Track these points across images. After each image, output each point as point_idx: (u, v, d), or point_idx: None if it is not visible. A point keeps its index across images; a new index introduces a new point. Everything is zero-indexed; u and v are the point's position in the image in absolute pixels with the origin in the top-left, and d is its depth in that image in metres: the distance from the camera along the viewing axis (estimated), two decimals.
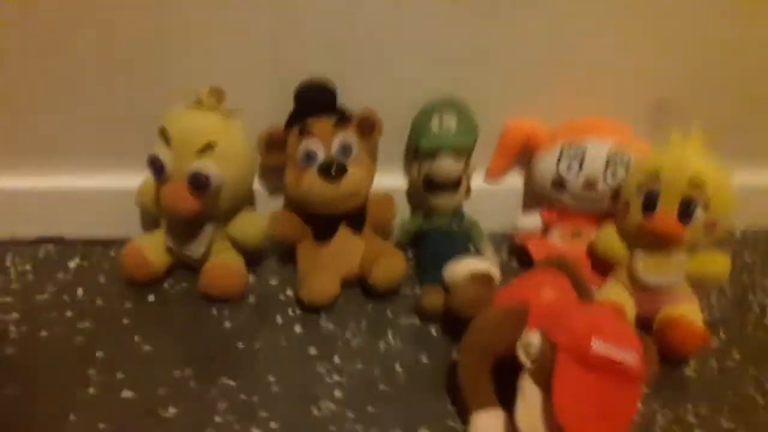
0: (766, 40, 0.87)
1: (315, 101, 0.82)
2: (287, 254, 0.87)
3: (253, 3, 0.78)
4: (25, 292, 0.84)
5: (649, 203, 0.77)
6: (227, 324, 0.80)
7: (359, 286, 0.85)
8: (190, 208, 0.75)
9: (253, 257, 0.87)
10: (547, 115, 0.89)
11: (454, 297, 0.76)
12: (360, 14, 0.80)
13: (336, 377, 0.74)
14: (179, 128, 0.75)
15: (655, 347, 0.64)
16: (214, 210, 0.79)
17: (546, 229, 0.91)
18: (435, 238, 0.88)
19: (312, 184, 0.79)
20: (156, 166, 0.75)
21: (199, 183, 0.74)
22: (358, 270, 0.84)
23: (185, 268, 0.85)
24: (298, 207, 0.84)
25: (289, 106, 0.83)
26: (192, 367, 0.74)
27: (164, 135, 0.75)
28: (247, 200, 0.87)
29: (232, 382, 0.73)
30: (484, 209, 0.92)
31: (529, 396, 0.61)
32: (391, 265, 0.83)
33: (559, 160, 0.85)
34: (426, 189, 0.87)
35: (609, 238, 0.83)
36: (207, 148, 0.74)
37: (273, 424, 0.68)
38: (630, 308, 0.79)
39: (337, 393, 0.72)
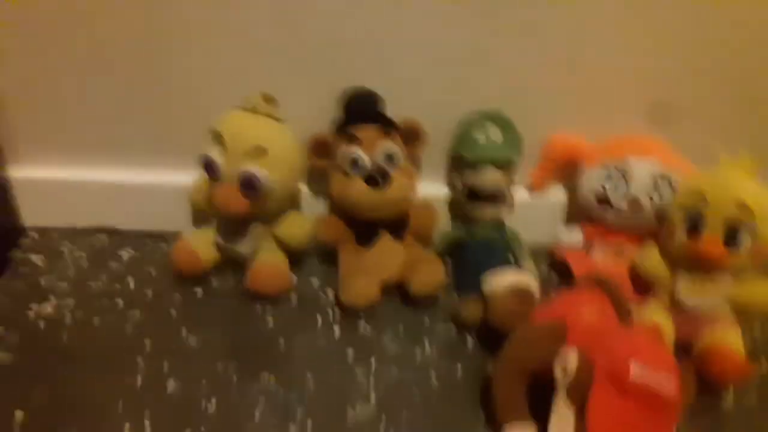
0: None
1: (361, 109, 0.83)
2: (329, 256, 0.89)
3: (304, 17, 0.80)
4: (79, 279, 0.88)
5: (694, 226, 0.76)
6: (270, 321, 0.83)
7: (398, 292, 0.86)
8: (241, 209, 0.78)
9: (296, 257, 0.89)
10: (592, 129, 0.88)
11: (493, 309, 0.77)
12: (408, 27, 0.81)
13: (372, 381, 0.76)
14: (233, 131, 0.78)
15: (692, 374, 0.64)
16: (263, 211, 0.81)
17: (588, 245, 0.91)
18: (475, 248, 0.88)
19: (358, 190, 0.81)
20: (209, 167, 0.78)
21: (249, 185, 0.76)
22: (397, 276, 0.85)
23: (232, 264, 0.88)
24: (342, 211, 0.86)
25: (334, 113, 0.85)
26: (234, 362, 0.77)
27: (218, 137, 0.77)
28: (293, 202, 0.89)
29: (272, 379, 0.75)
30: (526, 221, 0.92)
31: (562, 414, 0.62)
32: (431, 273, 0.84)
33: (604, 178, 0.85)
34: (468, 200, 0.88)
35: (651, 258, 0.82)
36: (258, 151, 0.77)
37: (309, 423, 0.70)
38: (669, 330, 0.78)
39: (372, 396, 0.74)
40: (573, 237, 0.91)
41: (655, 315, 0.80)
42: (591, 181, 0.87)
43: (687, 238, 0.77)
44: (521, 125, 0.86)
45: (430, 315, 0.85)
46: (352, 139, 0.81)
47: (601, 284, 0.74)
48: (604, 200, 0.86)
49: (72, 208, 0.95)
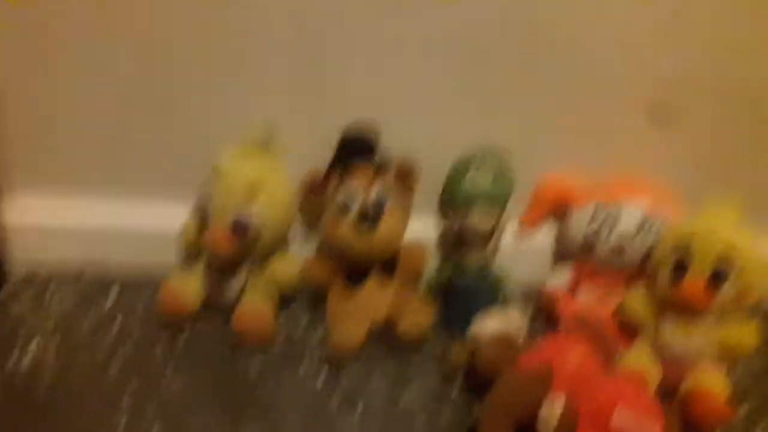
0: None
1: (356, 147, 0.84)
2: (318, 297, 0.89)
3: (299, 54, 0.82)
4: (66, 318, 0.87)
5: (679, 270, 0.77)
6: (256, 364, 0.82)
7: (386, 334, 0.86)
8: (230, 252, 0.78)
9: (284, 298, 0.89)
10: (584, 170, 0.90)
11: (479, 356, 0.77)
12: (398, 66, 0.83)
13: (359, 425, 0.76)
14: (227, 173, 0.79)
15: (676, 418, 0.64)
16: (253, 252, 0.82)
17: (574, 288, 0.91)
18: (463, 290, 0.89)
19: (348, 232, 0.81)
20: (202, 208, 0.79)
21: (240, 229, 0.77)
22: (385, 318, 0.85)
23: (220, 306, 0.87)
24: (332, 251, 0.86)
25: (328, 151, 0.85)
26: (220, 406, 0.76)
27: (212, 178, 0.79)
28: (284, 242, 0.89)
29: (257, 425, 0.75)
30: (515, 262, 0.93)
31: None
32: (419, 316, 0.85)
33: (590, 221, 0.86)
34: (457, 240, 0.88)
35: (636, 302, 0.83)
36: (253, 190, 0.78)
37: None
38: (655, 374, 0.79)
39: None
40: (560, 278, 0.92)
41: (641, 358, 0.80)
42: (579, 222, 0.88)
43: (671, 281, 0.78)
44: (514, 165, 0.88)
45: (418, 358, 0.85)
46: (346, 178, 0.82)
47: (587, 327, 0.75)
48: (590, 242, 0.87)
49: (60, 247, 0.94)
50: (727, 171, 0.90)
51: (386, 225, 0.82)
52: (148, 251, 0.93)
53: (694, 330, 0.78)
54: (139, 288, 0.92)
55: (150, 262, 0.94)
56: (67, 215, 0.92)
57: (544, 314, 0.93)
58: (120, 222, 0.92)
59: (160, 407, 0.76)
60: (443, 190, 0.91)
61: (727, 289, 0.75)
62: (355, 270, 0.86)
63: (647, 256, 0.84)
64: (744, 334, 0.79)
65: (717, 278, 0.75)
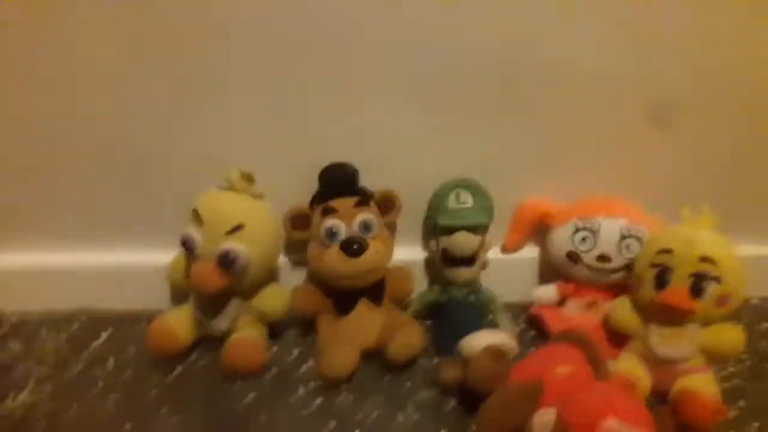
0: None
1: (338, 182, 0.86)
2: (308, 326, 0.90)
3: (281, 92, 0.84)
4: (58, 363, 0.87)
5: (662, 279, 0.79)
6: (250, 396, 0.82)
7: (378, 357, 0.87)
8: (217, 287, 0.79)
9: (275, 329, 0.90)
10: (560, 191, 0.92)
11: (471, 371, 0.77)
12: (378, 102, 0.86)
13: None
14: (211, 210, 0.80)
15: (669, 421, 0.65)
16: (241, 286, 0.83)
17: (562, 301, 0.93)
18: (452, 309, 0.90)
19: (334, 260, 0.83)
20: (188, 245, 0.80)
21: (227, 263, 0.78)
22: (376, 342, 0.86)
23: (212, 341, 0.88)
24: (320, 281, 0.88)
25: (313, 187, 0.87)
26: None
27: (196, 216, 0.80)
28: (272, 275, 0.90)
29: None
30: (502, 280, 0.95)
31: None
32: (409, 339, 0.85)
33: (573, 235, 0.88)
34: (444, 263, 0.90)
35: (623, 311, 0.84)
36: (236, 229, 0.79)
37: None
38: (645, 380, 0.80)
39: None
40: (547, 294, 0.93)
41: (630, 366, 0.81)
42: (561, 239, 0.90)
43: (655, 290, 0.79)
44: (493, 191, 0.90)
45: (411, 379, 0.85)
46: (329, 211, 0.84)
47: (576, 340, 0.76)
48: (574, 257, 0.89)
49: (51, 292, 0.95)
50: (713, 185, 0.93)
51: (371, 252, 0.83)
52: (137, 294, 0.94)
53: (680, 336, 0.80)
54: (130, 329, 0.93)
55: (139, 304, 0.95)
56: (55, 263, 0.93)
57: (533, 329, 0.95)
58: (107, 267, 0.94)
59: None
60: (426, 217, 0.94)
61: (708, 295, 0.76)
62: (343, 298, 0.87)
63: (630, 268, 0.86)
64: (729, 338, 0.80)
65: (698, 285, 0.76)
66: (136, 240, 0.93)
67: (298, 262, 0.95)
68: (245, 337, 0.86)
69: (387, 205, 0.87)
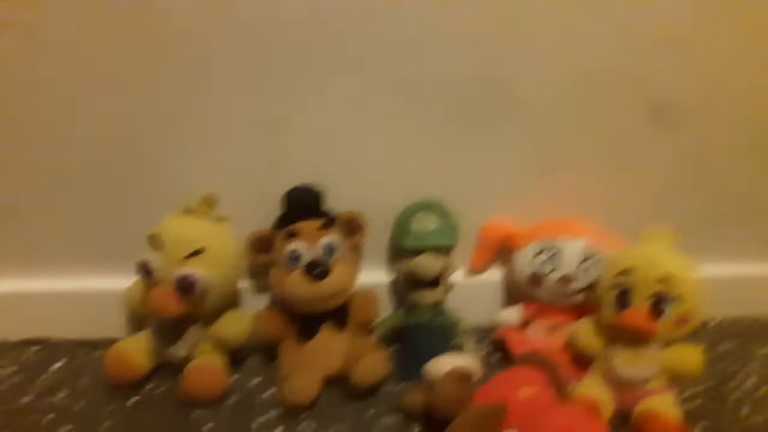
0: None
1: (302, 205, 0.86)
2: (271, 352, 0.88)
3: (243, 116, 0.84)
4: (8, 394, 0.84)
5: (622, 300, 0.79)
6: (209, 425, 0.80)
7: (342, 383, 0.85)
8: (175, 312, 0.78)
9: (236, 356, 0.88)
10: (523, 213, 0.93)
11: (435, 395, 0.77)
12: (345, 125, 0.86)
13: None
14: (170, 235, 0.79)
15: None
16: (200, 311, 0.81)
17: (525, 324, 0.93)
18: (417, 333, 0.90)
19: (296, 283, 0.82)
20: (145, 271, 0.78)
21: (186, 287, 0.77)
22: (339, 368, 0.85)
23: (170, 368, 0.86)
24: (283, 305, 0.86)
25: (276, 210, 0.87)
26: None
27: (156, 241, 0.78)
28: (232, 300, 0.89)
29: None
30: (467, 303, 0.94)
31: None
32: (373, 364, 0.84)
33: (535, 257, 0.89)
34: (408, 285, 0.90)
35: (585, 333, 0.85)
36: (196, 253, 0.78)
37: None
38: (608, 402, 0.80)
39: None
40: (511, 316, 0.94)
41: (594, 388, 0.82)
42: (523, 261, 0.91)
43: (616, 311, 0.80)
44: (458, 212, 0.91)
45: (375, 405, 0.84)
46: (292, 234, 0.83)
47: (539, 362, 0.76)
48: (536, 279, 0.89)
49: (3, 320, 0.92)
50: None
51: (335, 275, 0.83)
52: (92, 321, 0.92)
53: (642, 357, 0.80)
54: (85, 357, 0.90)
55: (95, 332, 0.92)
56: (7, 290, 0.91)
57: (498, 351, 0.94)
58: (62, 294, 0.91)
59: None
60: (392, 238, 0.94)
61: (668, 316, 0.77)
62: (306, 322, 0.86)
63: (592, 289, 0.87)
64: (689, 359, 0.81)
65: (658, 306, 0.77)
66: (92, 266, 0.91)
67: (260, 288, 0.94)
68: (205, 364, 0.84)
69: (352, 227, 0.87)
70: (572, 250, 0.88)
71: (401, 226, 0.90)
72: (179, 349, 0.84)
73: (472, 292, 0.97)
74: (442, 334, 0.90)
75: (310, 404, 0.82)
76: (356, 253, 0.89)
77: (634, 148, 0.92)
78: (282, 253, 0.83)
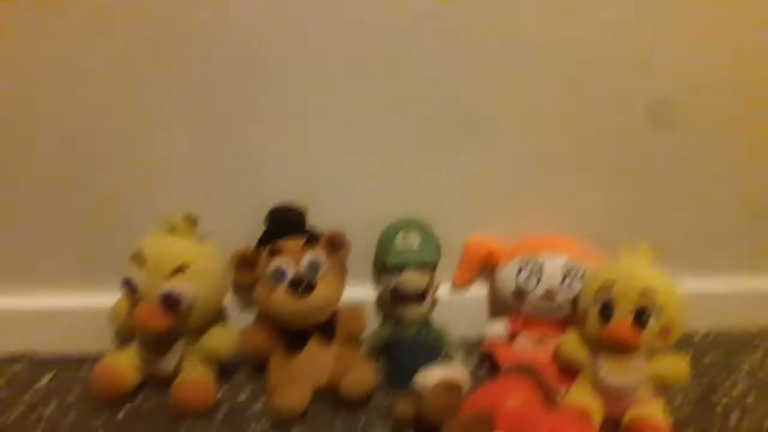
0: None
1: (285, 223, 0.87)
2: (259, 366, 0.89)
3: (227, 133, 0.85)
4: None
5: (606, 312, 0.81)
6: None
7: (331, 395, 0.86)
8: (160, 327, 0.78)
9: (225, 370, 0.89)
10: (505, 230, 0.95)
11: (425, 405, 0.77)
12: (326, 143, 0.88)
13: None
14: (153, 252, 0.80)
15: None
16: (186, 326, 0.82)
17: (512, 336, 0.94)
18: (404, 346, 0.91)
19: (281, 299, 0.83)
20: (129, 287, 0.79)
21: (170, 303, 0.78)
22: (328, 380, 0.86)
23: (157, 382, 0.86)
24: (269, 321, 0.87)
25: (261, 227, 0.88)
26: None
27: (139, 258, 0.79)
28: (219, 315, 0.90)
29: None
30: (454, 317, 0.95)
31: None
32: (362, 376, 0.85)
33: (518, 273, 0.90)
34: (393, 301, 0.91)
35: (571, 344, 0.86)
36: (179, 269, 0.79)
37: None
38: (597, 411, 0.81)
39: None
40: (497, 329, 0.94)
41: (582, 397, 0.83)
42: (506, 277, 0.92)
43: (600, 323, 0.81)
44: (441, 229, 0.92)
45: (365, 416, 0.85)
46: (276, 251, 0.84)
47: (526, 371, 0.77)
48: (520, 294, 0.91)
49: None
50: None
51: (320, 290, 0.84)
52: (80, 336, 0.92)
53: (627, 366, 0.81)
54: (73, 372, 0.90)
55: (83, 347, 0.92)
56: None
57: (485, 363, 0.95)
58: (49, 309, 0.92)
59: None
60: (376, 257, 0.95)
61: (651, 327, 0.79)
62: (293, 336, 0.86)
63: (575, 301, 0.88)
64: (675, 368, 0.82)
65: (641, 317, 0.79)
66: (76, 282, 0.92)
67: (246, 305, 0.94)
68: (193, 377, 0.84)
69: (335, 245, 0.87)
70: (554, 265, 0.89)
71: (385, 243, 0.91)
72: (167, 363, 0.84)
73: (460, 306, 0.98)
74: (429, 348, 0.91)
75: (300, 415, 0.82)
76: (340, 269, 0.90)
77: (614, 167, 0.93)
78: (266, 271, 0.84)
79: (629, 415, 0.81)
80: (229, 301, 0.92)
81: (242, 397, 0.87)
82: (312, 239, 0.86)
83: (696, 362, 0.83)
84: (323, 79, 0.84)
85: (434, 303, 0.93)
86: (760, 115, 0.92)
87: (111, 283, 0.82)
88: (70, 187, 0.87)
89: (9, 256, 0.90)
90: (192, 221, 0.82)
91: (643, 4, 0.82)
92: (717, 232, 1.00)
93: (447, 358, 0.91)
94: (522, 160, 0.92)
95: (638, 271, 0.81)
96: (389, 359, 0.92)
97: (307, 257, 0.84)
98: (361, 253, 0.92)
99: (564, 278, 0.88)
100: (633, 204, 0.96)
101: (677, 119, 0.91)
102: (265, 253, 0.85)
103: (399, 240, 0.90)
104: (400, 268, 0.89)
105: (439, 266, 0.92)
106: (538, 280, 0.89)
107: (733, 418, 0.86)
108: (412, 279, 0.88)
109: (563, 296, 0.89)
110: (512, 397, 0.72)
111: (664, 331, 0.80)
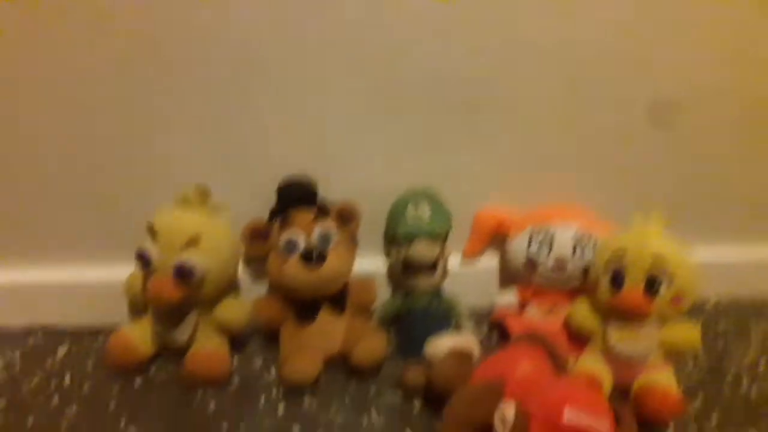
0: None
1: (296, 195, 0.87)
2: (271, 337, 0.90)
3: (238, 106, 0.85)
4: (13, 379, 0.86)
5: (617, 280, 0.81)
6: (212, 407, 0.82)
7: (342, 364, 0.87)
8: (174, 299, 0.79)
9: (237, 340, 0.89)
10: (515, 202, 0.94)
11: (435, 373, 0.78)
12: (338, 115, 0.87)
13: None
14: (166, 224, 0.80)
15: (632, 415, 0.66)
16: (199, 298, 0.83)
17: (522, 306, 0.94)
18: (415, 316, 0.91)
19: (293, 270, 0.83)
20: (143, 260, 0.80)
21: (183, 274, 0.78)
22: (339, 350, 0.86)
23: (171, 353, 0.87)
24: (280, 292, 0.88)
25: (272, 200, 0.88)
26: None
27: (152, 231, 0.80)
28: (231, 287, 0.90)
29: None
30: (464, 287, 0.95)
31: None
32: (372, 344, 0.86)
33: (529, 243, 0.90)
34: (404, 271, 0.91)
35: (582, 313, 0.86)
36: (192, 241, 0.79)
37: None
38: (607, 378, 0.81)
39: None
40: (508, 299, 0.95)
41: (592, 364, 0.83)
42: (518, 247, 0.92)
43: (611, 292, 0.81)
44: (452, 200, 0.92)
45: (376, 384, 0.86)
46: (287, 223, 0.84)
47: (535, 339, 0.77)
48: (531, 265, 0.91)
49: (5, 308, 0.93)
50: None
51: (331, 261, 0.84)
52: (94, 308, 0.93)
53: (638, 334, 0.82)
54: (88, 344, 0.92)
55: (97, 319, 0.93)
56: (9, 278, 0.92)
57: (496, 333, 0.96)
58: (63, 282, 0.93)
59: None
60: (386, 228, 0.95)
61: (663, 295, 0.79)
62: (305, 307, 0.87)
63: (586, 271, 0.88)
64: (686, 335, 0.82)
65: (652, 285, 0.79)
66: (92, 255, 0.92)
67: (258, 276, 0.95)
68: (206, 348, 0.85)
69: (346, 216, 0.88)
70: (565, 234, 0.89)
71: (396, 214, 0.91)
72: (181, 334, 0.85)
73: (471, 276, 0.98)
74: (440, 318, 0.91)
75: (311, 383, 0.83)
76: (351, 241, 0.90)
77: (627, 140, 0.92)
78: (278, 243, 0.85)
79: (640, 382, 0.81)
80: (242, 272, 0.93)
81: (254, 367, 0.88)
82: (323, 211, 0.86)
83: (707, 330, 0.82)
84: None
85: (445, 273, 0.93)
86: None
87: (125, 256, 0.82)
88: (86, 162, 0.87)
89: (24, 230, 0.91)
90: (204, 193, 0.83)
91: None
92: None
93: (458, 327, 0.91)
94: (533, 134, 0.91)
95: (649, 240, 0.80)
96: (400, 330, 0.93)
97: (318, 229, 0.84)
98: (371, 225, 0.92)
99: (575, 248, 0.88)
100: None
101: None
102: (276, 225, 0.86)
103: (410, 211, 0.90)
104: (411, 239, 0.89)
105: (450, 237, 0.92)
106: (549, 250, 0.89)
107: (744, 385, 0.87)
108: (422, 250, 0.88)
109: (574, 266, 0.89)
110: (522, 366, 0.72)
111: (676, 299, 0.79)
